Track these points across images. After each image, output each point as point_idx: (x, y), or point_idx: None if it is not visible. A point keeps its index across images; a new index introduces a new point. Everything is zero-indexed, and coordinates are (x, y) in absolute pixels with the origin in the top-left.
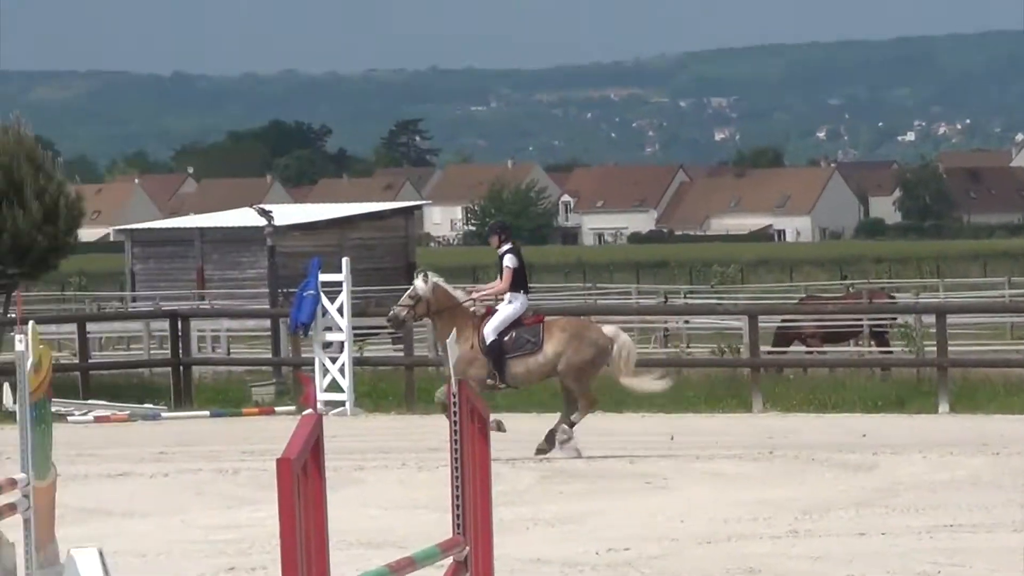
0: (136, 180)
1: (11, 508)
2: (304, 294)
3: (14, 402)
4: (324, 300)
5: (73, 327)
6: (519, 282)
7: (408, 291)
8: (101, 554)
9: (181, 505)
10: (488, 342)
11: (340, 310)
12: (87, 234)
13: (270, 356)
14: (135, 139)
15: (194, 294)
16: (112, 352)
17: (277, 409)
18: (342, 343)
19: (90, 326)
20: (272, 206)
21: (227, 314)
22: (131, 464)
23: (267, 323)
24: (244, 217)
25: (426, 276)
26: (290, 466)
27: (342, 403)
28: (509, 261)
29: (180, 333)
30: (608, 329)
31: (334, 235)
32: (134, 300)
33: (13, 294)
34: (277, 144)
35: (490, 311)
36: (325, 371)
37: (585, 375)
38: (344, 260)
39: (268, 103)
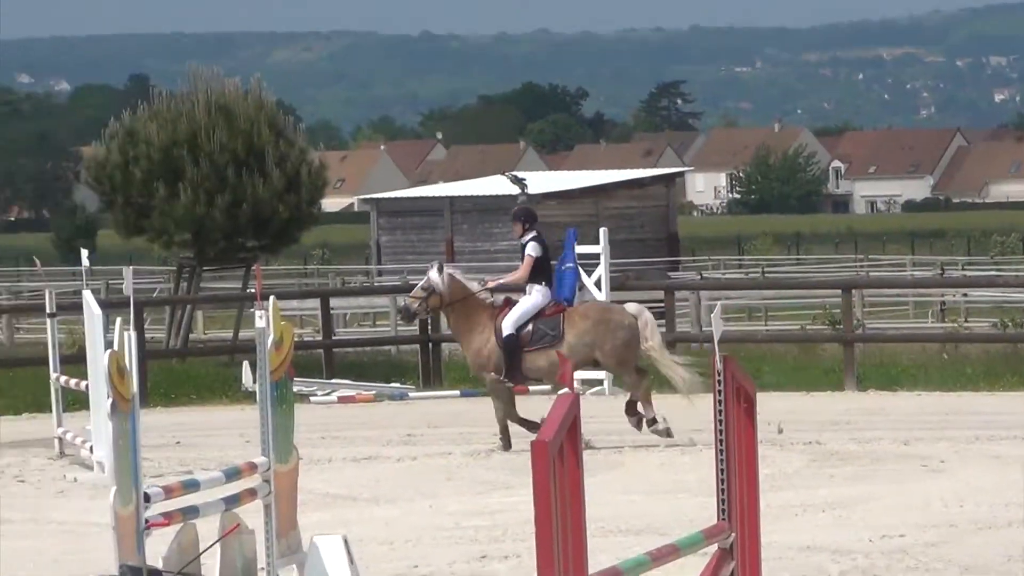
0: (382, 147)
1: (251, 493)
2: (563, 268)
3: (254, 381)
4: (581, 274)
5: (316, 303)
6: (541, 272)
7: (421, 282)
8: (346, 541)
9: (430, 490)
10: (504, 335)
11: (598, 284)
12: (330, 204)
13: None
14: (381, 103)
15: None
16: (357, 329)
17: (531, 388)
18: None
19: (334, 302)
20: (525, 173)
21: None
22: (377, 447)
23: None
24: (496, 185)
25: (441, 267)
26: (546, 448)
27: (599, 382)
28: (532, 249)
29: None
30: (631, 307)
31: (590, 204)
32: (380, 274)
33: (253, 268)
34: (530, 108)
35: (508, 303)
36: None
37: (626, 359)
38: (601, 231)
39: (520, 64)
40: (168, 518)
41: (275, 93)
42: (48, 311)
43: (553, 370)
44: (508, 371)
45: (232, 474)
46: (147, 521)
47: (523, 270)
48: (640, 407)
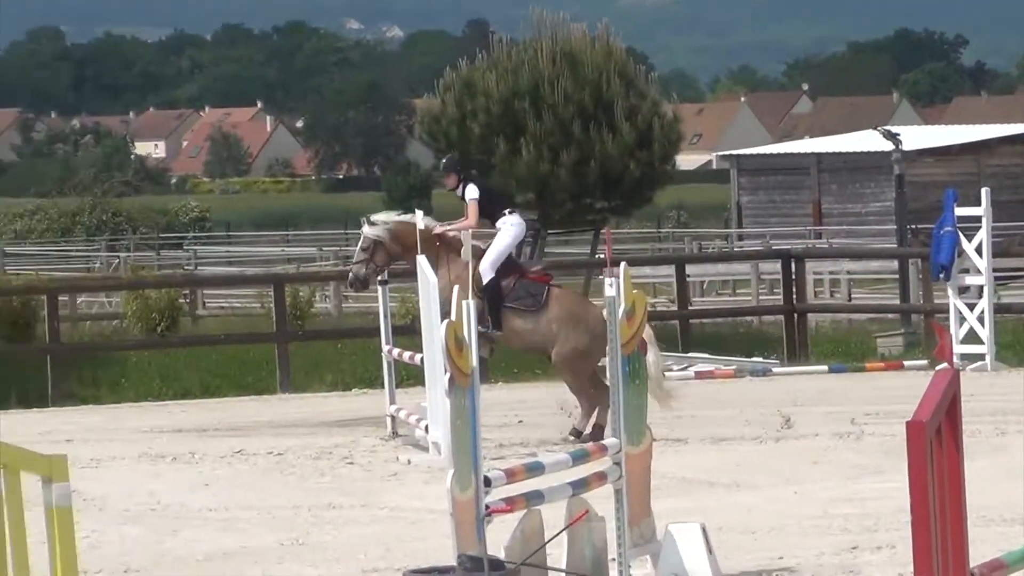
0: (742, 98)
1: (600, 478)
2: (942, 232)
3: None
4: (961, 238)
5: (670, 269)
6: (495, 207)
7: (359, 243)
8: (704, 530)
9: (795, 475)
10: (485, 281)
11: (979, 249)
12: (686, 161)
13: (897, 302)
14: (741, 51)
15: (809, 231)
16: (715, 298)
17: (906, 363)
18: (981, 287)
19: (690, 268)
20: (899, 128)
21: (848, 254)
22: (738, 427)
23: (893, 264)
24: (867, 141)
25: (371, 221)
26: (922, 430)
27: (981, 356)
28: (471, 192)
29: (794, 276)
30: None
31: (970, 162)
32: (740, 238)
33: (602, 231)
34: (904, 56)
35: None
36: (962, 320)
37: (580, 367)
38: (983, 191)
39: (893, 9)
40: (510, 504)
41: (624, 40)
42: (380, 278)
43: (517, 338)
44: (493, 320)
45: (580, 456)
46: (487, 507)
47: (471, 217)
48: (583, 419)
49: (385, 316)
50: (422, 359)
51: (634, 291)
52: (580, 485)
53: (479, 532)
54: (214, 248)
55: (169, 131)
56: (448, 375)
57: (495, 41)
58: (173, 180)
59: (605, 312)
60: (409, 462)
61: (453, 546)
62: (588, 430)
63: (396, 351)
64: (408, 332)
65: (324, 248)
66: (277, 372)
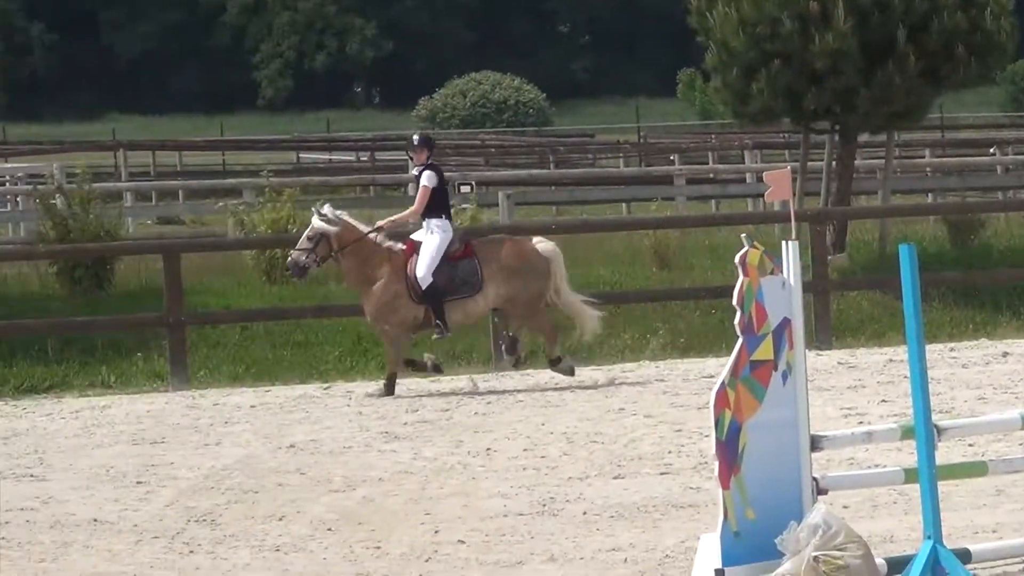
0: None
1: None
2: None
3: None
4: None
5: None
6: (439, 205)
7: (306, 231)
8: None
9: None
10: (425, 286)
11: None
12: None
13: None
14: None
15: None
16: None
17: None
18: None
19: None
20: None
21: None
22: None
23: None
24: None
25: (322, 212)
26: None
27: None
28: (427, 179)
29: None
30: (544, 248)
31: None
32: None
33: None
34: None
35: (412, 247)
36: None
37: (538, 309)
38: None
39: None
40: None
41: None
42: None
43: (467, 322)
44: (439, 321)
45: None
46: None
47: (419, 203)
48: (552, 347)
49: None
50: None
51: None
52: None
53: None
54: None
55: None
56: None
57: None
58: None
59: (543, 246)
60: None
61: None
62: (555, 352)
63: None
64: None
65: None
66: None
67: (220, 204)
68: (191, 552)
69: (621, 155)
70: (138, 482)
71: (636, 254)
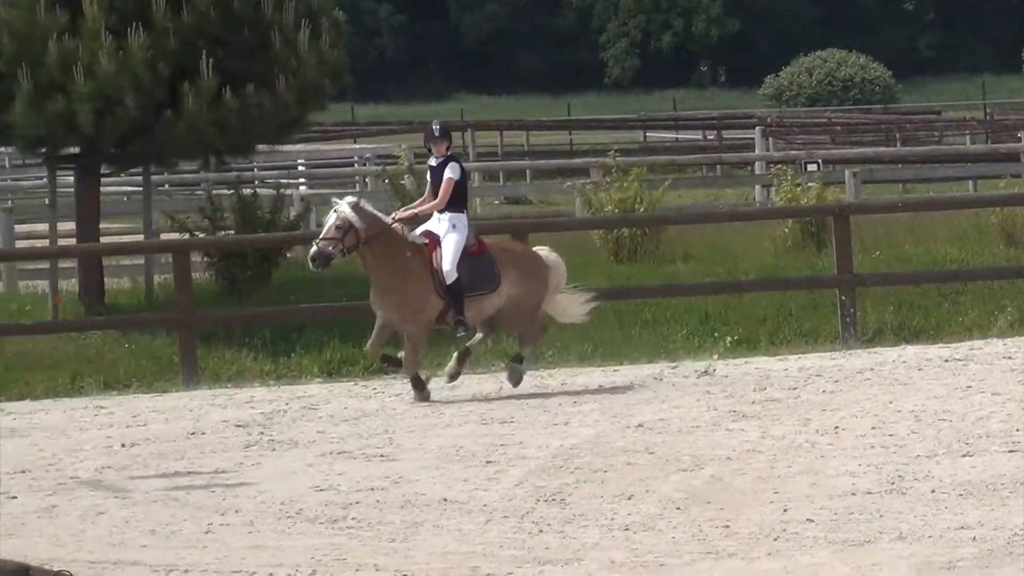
0: None
1: None
2: None
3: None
4: None
5: None
6: (460, 199)
7: (328, 222)
8: None
9: None
10: (451, 281)
11: None
12: None
13: None
14: None
15: None
16: None
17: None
18: None
19: None
20: None
21: None
22: None
23: None
24: None
25: (355, 201)
26: None
27: None
28: (453, 171)
29: None
30: (549, 258)
31: None
32: None
33: None
34: None
35: (433, 240)
36: None
37: (535, 315)
38: None
39: None
40: None
41: None
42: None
43: (476, 321)
44: (458, 317)
45: None
46: None
47: (443, 195)
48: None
49: None
50: None
51: None
52: None
53: None
54: None
55: None
56: None
57: None
58: None
59: (547, 253)
60: None
61: None
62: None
63: None
64: None
65: None
66: None
67: (567, 184)
68: (540, 531)
69: (968, 132)
70: (487, 462)
71: (983, 232)
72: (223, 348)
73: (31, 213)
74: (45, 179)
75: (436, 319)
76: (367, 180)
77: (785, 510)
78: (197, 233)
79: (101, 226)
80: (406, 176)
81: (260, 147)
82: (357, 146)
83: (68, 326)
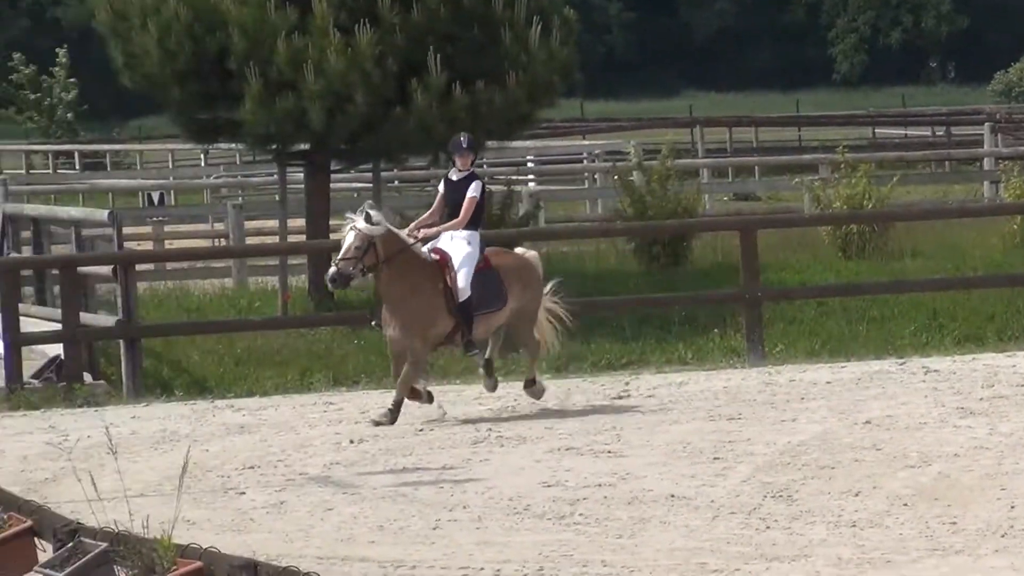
0: None
1: None
2: None
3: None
4: None
5: None
6: (477, 217)
7: (348, 238)
8: None
9: None
10: (464, 298)
11: None
12: None
13: None
14: None
15: None
16: None
17: None
18: None
19: None
20: None
21: None
22: None
23: None
24: None
25: (368, 215)
26: None
27: None
28: (476, 190)
29: None
30: (534, 258)
31: None
32: None
33: None
34: None
35: (443, 257)
36: None
37: (536, 321)
38: None
39: None
40: None
41: None
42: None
43: (482, 338)
44: (468, 337)
45: None
46: None
47: (465, 214)
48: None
49: None
50: None
51: None
52: None
53: None
54: None
55: None
56: None
57: None
58: None
59: (531, 254)
60: None
61: None
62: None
63: None
64: None
65: None
66: None
67: (796, 180)
68: (767, 528)
69: None
70: (715, 458)
71: None
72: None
73: (261, 209)
74: (275, 175)
75: (445, 338)
76: (596, 177)
77: (1012, 507)
78: None
79: (331, 222)
80: (635, 173)
81: (489, 143)
82: (586, 142)
83: (297, 322)
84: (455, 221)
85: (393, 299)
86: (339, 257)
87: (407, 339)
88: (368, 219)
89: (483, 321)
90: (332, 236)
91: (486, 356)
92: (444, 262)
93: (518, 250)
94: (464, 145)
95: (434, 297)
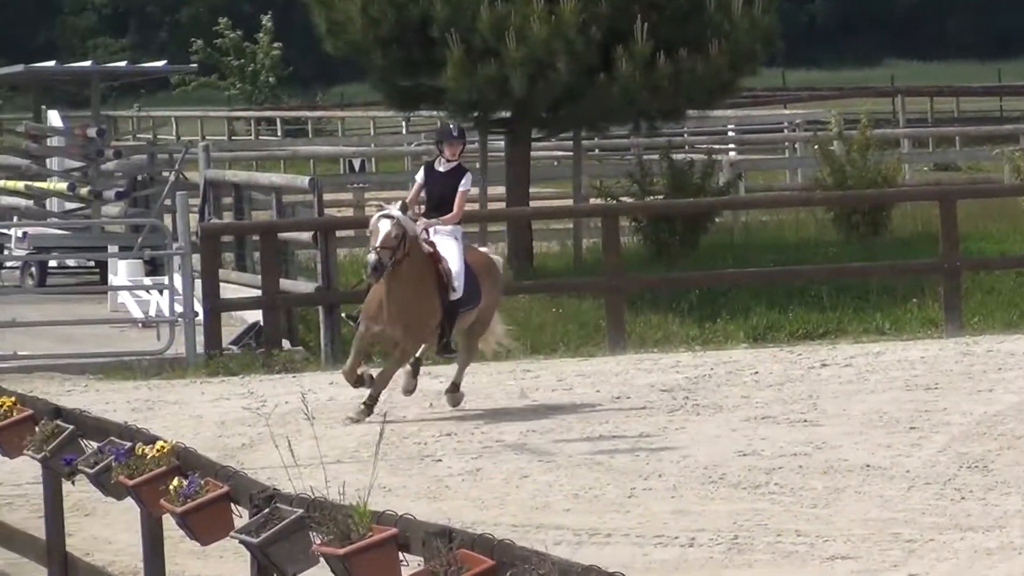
0: None
1: None
2: None
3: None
4: None
5: None
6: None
7: (385, 228)
8: None
9: None
10: (456, 297)
11: None
12: None
13: None
14: None
15: None
16: None
17: None
18: None
19: None
20: None
21: None
22: None
23: None
24: None
25: (405, 206)
26: None
27: None
28: (467, 183)
29: None
30: (497, 259)
31: None
32: None
33: None
34: None
35: (434, 251)
36: None
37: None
38: None
39: None
40: None
41: None
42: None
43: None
44: (447, 338)
45: None
46: None
47: (458, 208)
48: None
49: None
50: None
51: None
52: None
53: None
54: None
55: None
56: None
57: None
58: None
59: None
60: None
61: None
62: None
63: None
64: None
65: None
66: None
67: (996, 151)
68: (962, 498)
69: None
70: (911, 428)
71: None
72: (649, 313)
73: None
74: (476, 143)
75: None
76: (796, 146)
77: None
78: (624, 199)
79: (531, 190)
80: (835, 142)
81: (690, 112)
82: (787, 111)
83: None
84: (451, 215)
85: (402, 298)
86: (378, 245)
87: (407, 339)
88: (404, 209)
89: (460, 319)
90: (533, 204)
91: (416, 355)
92: (436, 257)
93: (483, 249)
94: (455, 134)
95: (434, 297)
